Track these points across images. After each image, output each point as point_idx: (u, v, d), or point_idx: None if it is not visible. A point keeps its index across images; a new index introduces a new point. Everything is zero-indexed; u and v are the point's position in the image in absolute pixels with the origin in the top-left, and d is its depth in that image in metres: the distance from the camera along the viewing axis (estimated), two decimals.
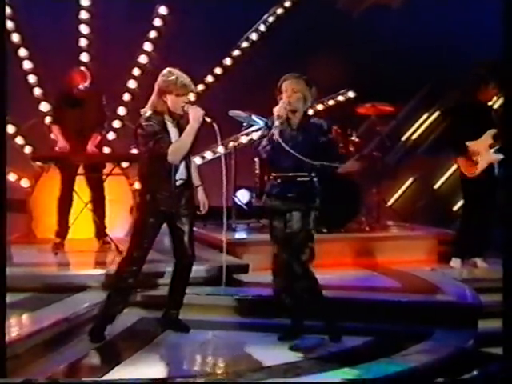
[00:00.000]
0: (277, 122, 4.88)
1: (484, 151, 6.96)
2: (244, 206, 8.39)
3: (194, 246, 5.38)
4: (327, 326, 5.07)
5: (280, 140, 4.83)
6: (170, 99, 5.03)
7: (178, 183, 5.13)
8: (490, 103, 7.10)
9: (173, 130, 5.10)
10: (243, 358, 4.82)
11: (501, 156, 6.85)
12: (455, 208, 9.17)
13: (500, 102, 7.23)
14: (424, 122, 10.28)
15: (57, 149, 7.34)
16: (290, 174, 4.97)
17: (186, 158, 5.16)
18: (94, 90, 7.45)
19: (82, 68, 7.58)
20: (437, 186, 9.92)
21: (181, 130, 5.10)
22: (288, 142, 4.88)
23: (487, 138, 6.96)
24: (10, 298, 5.34)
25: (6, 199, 4.31)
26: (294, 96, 4.94)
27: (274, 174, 5.07)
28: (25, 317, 5.15)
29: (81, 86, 7.25)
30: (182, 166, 5.15)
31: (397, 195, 9.91)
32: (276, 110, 4.93)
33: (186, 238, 5.26)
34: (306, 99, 4.99)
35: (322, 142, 4.95)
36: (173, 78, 5.04)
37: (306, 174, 4.97)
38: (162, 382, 4.53)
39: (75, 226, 7.43)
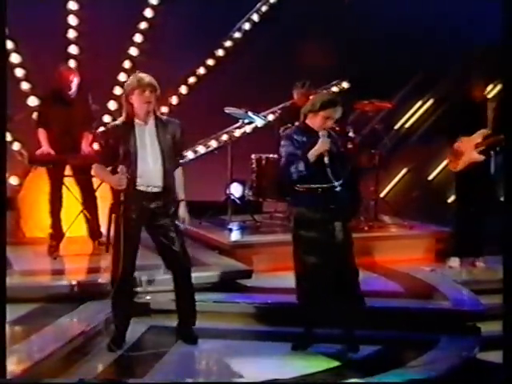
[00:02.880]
0: (326, 158, 5.38)
1: (469, 149, 7.52)
2: (237, 200, 8.82)
3: (186, 253, 5.67)
4: (347, 334, 5.53)
5: (330, 175, 5.38)
6: (134, 100, 5.39)
7: (141, 189, 5.38)
8: (483, 100, 7.62)
9: (146, 131, 5.41)
10: (255, 371, 5.22)
11: (483, 157, 7.45)
12: (450, 200, 9.69)
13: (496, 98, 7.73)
14: (417, 110, 10.78)
15: (38, 152, 7.59)
16: (327, 185, 5.40)
17: (164, 163, 5.41)
18: (80, 90, 7.74)
19: (70, 66, 7.89)
20: (431, 177, 10.44)
21: (157, 130, 5.43)
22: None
23: (477, 137, 7.50)
24: (18, 309, 5.94)
25: (5, 203, 4.63)
26: (329, 123, 5.46)
27: (312, 186, 5.42)
28: (42, 333, 5.53)
29: (73, 86, 7.57)
30: (152, 172, 5.39)
31: (389, 186, 10.40)
32: (322, 145, 5.39)
33: (172, 248, 5.55)
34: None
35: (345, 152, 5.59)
36: (132, 78, 5.46)
37: (342, 183, 5.42)
38: (162, 382, 4.97)
39: (67, 223, 7.79)
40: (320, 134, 5.43)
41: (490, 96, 7.97)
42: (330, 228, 5.44)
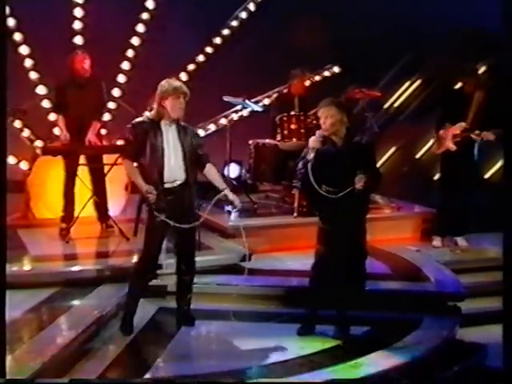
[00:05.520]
0: (311, 154, 5.70)
1: (448, 138, 8.03)
2: (233, 182, 9.24)
3: (195, 247, 6.19)
4: (340, 316, 5.98)
5: (310, 174, 5.67)
6: (168, 104, 5.84)
7: (167, 186, 5.85)
8: (472, 93, 7.98)
9: (170, 132, 5.87)
10: (256, 352, 5.68)
11: (454, 147, 7.96)
12: (436, 177, 10.11)
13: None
14: (406, 90, 11.19)
15: (61, 137, 8.05)
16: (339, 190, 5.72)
17: (185, 161, 5.87)
18: (94, 76, 8.15)
19: (83, 51, 8.22)
20: (418, 155, 10.87)
21: (179, 132, 5.90)
22: (332, 161, 5.73)
23: (456, 128, 7.99)
24: (39, 294, 6.42)
25: (5, 199, 4.87)
26: (327, 122, 5.76)
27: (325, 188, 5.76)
28: (63, 318, 6.02)
29: (85, 69, 7.97)
30: (176, 169, 5.86)
31: (378, 164, 10.78)
32: (310, 142, 5.77)
33: (188, 237, 6.02)
34: (342, 121, 5.78)
35: (364, 159, 5.79)
36: (168, 84, 5.89)
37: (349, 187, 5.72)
38: (163, 381, 5.28)
39: (77, 206, 8.16)
40: (316, 132, 5.83)
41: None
42: (343, 222, 5.79)
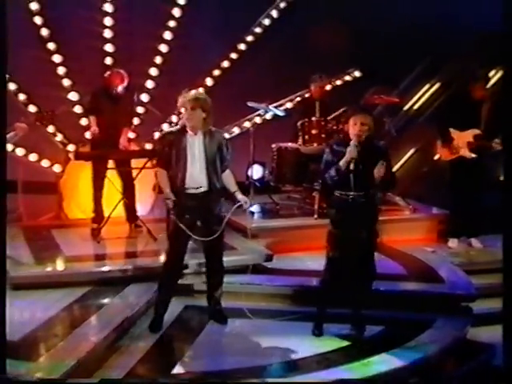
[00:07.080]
0: (352, 165, 6.00)
1: (462, 145, 8.22)
2: (256, 183, 9.48)
3: (222, 252, 6.44)
4: (356, 315, 6.29)
5: (352, 184, 6.01)
6: (184, 114, 6.15)
7: (190, 192, 6.14)
8: (481, 100, 8.19)
9: (195, 139, 6.12)
10: (276, 350, 5.98)
11: (473, 155, 8.15)
12: None
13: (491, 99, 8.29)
14: (425, 92, 11.39)
15: (89, 134, 8.53)
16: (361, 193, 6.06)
17: (208, 168, 6.13)
18: (129, 89, 8.55)
19: (119, 70, 8.58)
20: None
21: (204, 139, 6.13)
22: (355, 164, 6.02)
23: (469, 134, 8.18)
24: (73, 293, 6.79)
25: (5, 200, 5.08)
26: (364, 128, 6.04)
27: (343, 192, 6.09)
28: (96, 316, 6.40)
29: (119, 88, 8.36)
30: (199, 176, 6.13)
31: (398, 165, 11.01)
32: (348, 153, 6.00)
33: (211, 245, 6.30)
34: (371, 129, 6.10)
35: (382, 161, 6.05)
36: (182, 95, 6.25)
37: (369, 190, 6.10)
38: (165, 381, 5.55)
39: (108, 207, 8.54)
40: (351, 143, 6.08)
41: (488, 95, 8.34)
42: (355, 228, 6.11)
